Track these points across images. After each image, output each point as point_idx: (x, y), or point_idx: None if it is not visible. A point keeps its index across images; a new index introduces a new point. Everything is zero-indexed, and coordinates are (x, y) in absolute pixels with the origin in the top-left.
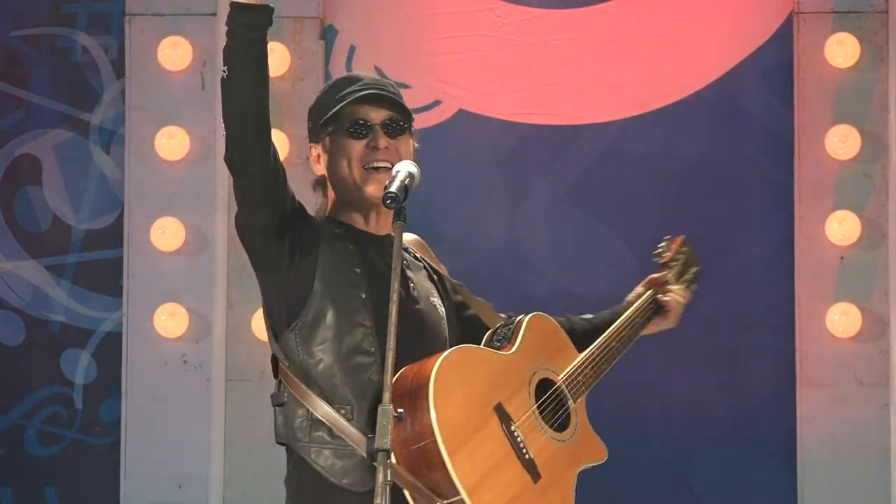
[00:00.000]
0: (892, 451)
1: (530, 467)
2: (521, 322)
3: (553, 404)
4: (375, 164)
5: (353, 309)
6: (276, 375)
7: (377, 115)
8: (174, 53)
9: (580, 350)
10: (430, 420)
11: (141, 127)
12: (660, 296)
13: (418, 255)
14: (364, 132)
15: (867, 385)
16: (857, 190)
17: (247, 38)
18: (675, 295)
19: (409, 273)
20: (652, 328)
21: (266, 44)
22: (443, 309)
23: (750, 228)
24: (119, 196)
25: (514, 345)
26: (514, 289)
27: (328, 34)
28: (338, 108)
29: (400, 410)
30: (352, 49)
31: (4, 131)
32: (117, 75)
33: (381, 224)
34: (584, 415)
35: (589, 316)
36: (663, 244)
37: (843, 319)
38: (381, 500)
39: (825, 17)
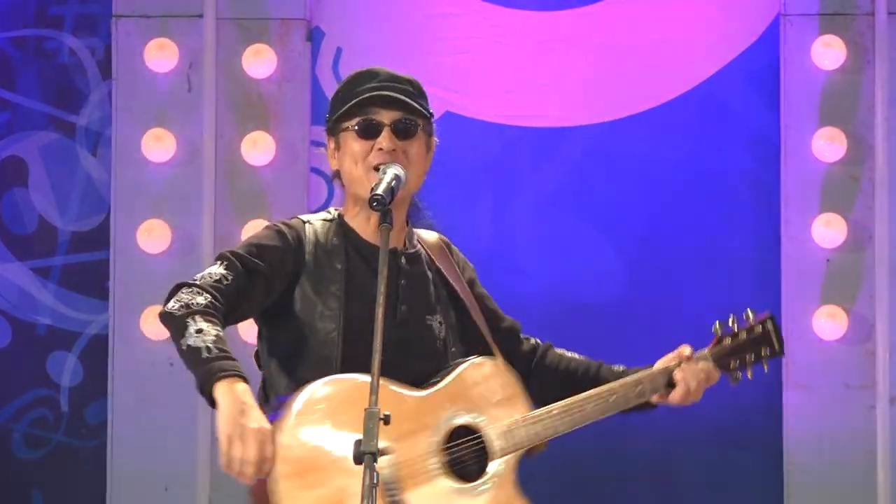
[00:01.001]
0: (879, 453)
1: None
2: (456, 366)
3: (473, 452)
4: (390, 172)
5: (321, 342)
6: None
7: (387, 116)
8: (161, 55)
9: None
10: (275, 444)
11: (127, 128)
12: (676, 371)
13: (433, 265)
14: (372, 133)
15: (853, 387)
16: (844, 192)
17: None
18: (691, 372)
19: (404, 292)
20: (656, 399)
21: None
22: (442, 327)
23: (736, 231)
24: (105, 198)
25: (431, 388)
26: (501, 291)
27: (314, 36)
28: (348, 105)
29: (386, 413)
30: (338, 51)
31: None
32: (104, 77)
33: (398, 234)
34: (513, 474)
35: (595, 364)
36: (747, 318)
37: (829, 322)
38: (368, 502)
39: (812, 19)
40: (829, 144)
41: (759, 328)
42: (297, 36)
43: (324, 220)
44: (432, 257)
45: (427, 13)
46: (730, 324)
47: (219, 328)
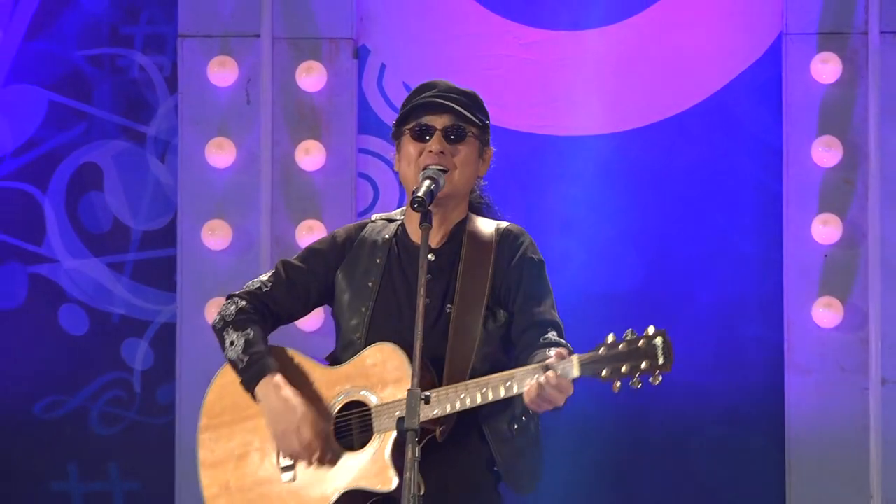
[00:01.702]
0: (872, 429)
1: (287, 467)
2: (365, 349)
3: (360, 423)
4: (429, 181)
5: (355, 323)
6: None
7: (439, 121)
8: (222, 71)
9: None
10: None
11: (192, 138)
12: (531, 381)
13: (487, 246)
14: (425, 136)
15: (849, 371)
16: (840, 194)
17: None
18: (544, 382)
19: (428, 286)
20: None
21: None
22: (454, 312)
23: (743, 229)
24: (172, 200)
25: (338, 365)
26: None
27: (361, 54)
28: (404, 111)
29: (427, 394)
30: (382, 67)
31: (70, 142)
32: (171, 91)
33: (436, 232)
34: (391, 447)
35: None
36: (622, 355)
37: (826, 311)
38: (411, 474)
39: (811, 37)
40: (826, 151)
41: (642, 342)
42: (345, 54)
43: (388, 219)
44: (465, 250)
45: (464, 33)
46: (623, 336)
47: (247, 332)
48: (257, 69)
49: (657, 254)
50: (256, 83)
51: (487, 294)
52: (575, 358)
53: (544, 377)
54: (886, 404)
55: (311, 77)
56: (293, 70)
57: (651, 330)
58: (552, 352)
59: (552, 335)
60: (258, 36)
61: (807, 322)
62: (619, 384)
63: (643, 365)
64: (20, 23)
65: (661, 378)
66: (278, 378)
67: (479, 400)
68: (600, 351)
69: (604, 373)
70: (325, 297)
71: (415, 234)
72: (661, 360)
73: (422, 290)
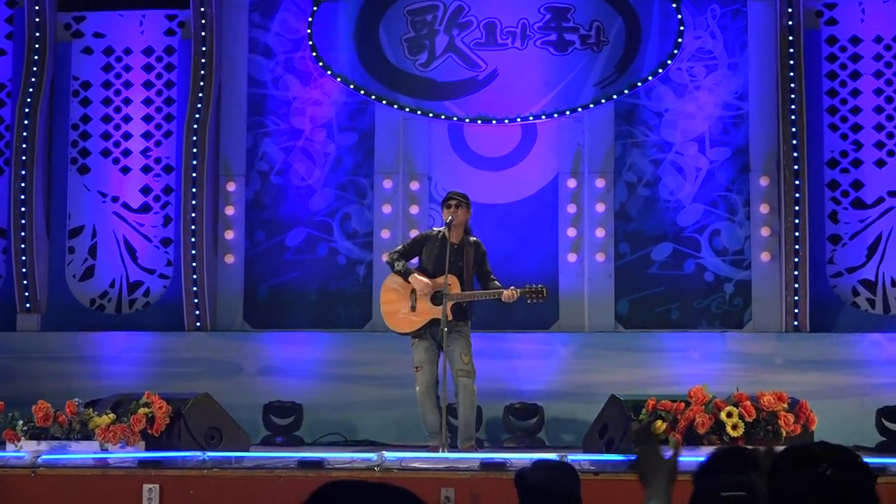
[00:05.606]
0: (585, 289)
1: (413, 306)
2: (450, 275)
3: (440, 297)
4: (451, 218)
5: (428, 264)
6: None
7: (454, 202)
8: (388, 184)
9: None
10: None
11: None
12: (505, 294)
13: (471, 244)
14: (450, 207)
15: (577, 272)
16: (577, 222)
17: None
18: (509, 295)
19: (454, 255)
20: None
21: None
22: (466, 264)
23: (548, 234)
24: (371, 225)
25: (434, 279)
26: None
27: (430, 178)
28: (445, 200)
29: (449, 283)
30: (436, 183)
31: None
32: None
33: (454, 237)
34: (451, 307)
35: (492, 283)
36: (534, 292)
37: (573, 256)
38: (444, 307)
39: (567, 174)
40: (572, 212)
41: (541, 287)
42: (424, 178)
43: (439, 230)
44: (467, 247)
45: (456, 170)
46: (533, 285)
47: (402, 262)
48: (398, 183)
49: (518, 243)
50: (399, 188)
51: (473, 260)
52: (520, 290)
53: (512, 293)
54: (588, 280)
55: (415, 186)
56: (408, 183)
57: (541, 286)
58: (509, 289)
59: (493, 277)
60: (398, 173)
61: (565, 261)
62: (530, 301)
63: (539, 297)
64: None
65: (542, 301)
66: (417, 274)
67: (485, 298)
68: (526, 289)
69: (527, 297)
70: (417, 254)
71: (449, 237)
72: (546, 295)
73: (447, 259)
